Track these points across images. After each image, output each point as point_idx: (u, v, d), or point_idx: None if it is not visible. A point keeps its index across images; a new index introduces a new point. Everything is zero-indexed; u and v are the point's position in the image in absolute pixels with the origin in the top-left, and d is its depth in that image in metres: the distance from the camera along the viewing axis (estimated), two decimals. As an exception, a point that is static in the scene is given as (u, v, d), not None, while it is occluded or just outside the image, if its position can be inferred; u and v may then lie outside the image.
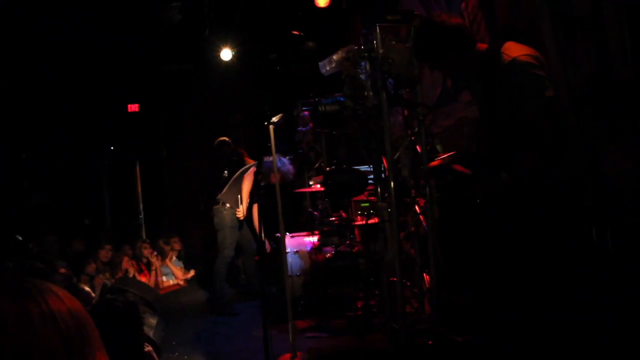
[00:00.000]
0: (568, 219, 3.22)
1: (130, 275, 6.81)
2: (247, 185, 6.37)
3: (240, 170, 6.69)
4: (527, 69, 2.97)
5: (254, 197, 6.27)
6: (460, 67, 3.23)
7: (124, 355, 2.30)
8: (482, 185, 3.12)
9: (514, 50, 3.04)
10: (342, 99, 4.48)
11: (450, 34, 3.06)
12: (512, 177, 2.99)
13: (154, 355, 3.16)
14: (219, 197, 6.56)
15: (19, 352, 0.87)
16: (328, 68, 4.92)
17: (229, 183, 6.65)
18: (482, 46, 3.16)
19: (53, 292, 0.94)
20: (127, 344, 2.30)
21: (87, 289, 4.34)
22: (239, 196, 6.39)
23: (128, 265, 7.13)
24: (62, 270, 5.66)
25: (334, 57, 4.73)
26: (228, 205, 6.41)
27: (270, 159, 4.62)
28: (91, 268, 6.83)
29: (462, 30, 3.11)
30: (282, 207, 4.37)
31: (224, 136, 7.73)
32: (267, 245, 6.38)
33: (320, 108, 4.50)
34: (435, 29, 3.10)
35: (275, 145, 4.40)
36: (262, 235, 4.35)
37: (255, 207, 6.41)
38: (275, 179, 4.34)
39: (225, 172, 7.50)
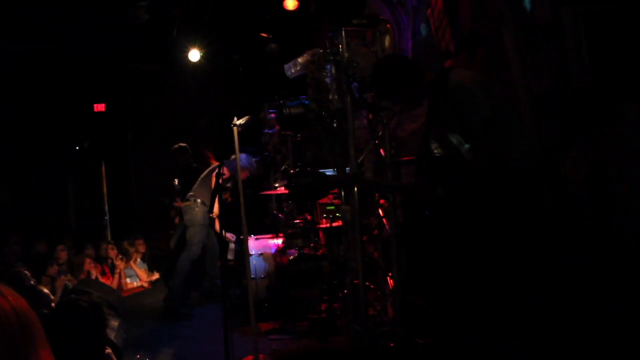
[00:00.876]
0: (526, 222, 3.27)
1: (93, 277, 6.72)
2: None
3: (209, 169, 6.62)
4: (471, 88, 3.09)
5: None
6: (415, 96, 3.37)
7: (86, 356, 2.27)
8: (421, 195, 3.21)
9: (459, 76, 3.18)
10: (307, 102, 4.49)
11: (400, 70, 3.29)
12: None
13: (113, 357, 3.13)
14: (190, 194, 6.46)
15: None
16: (293, 70, 4.93)
17: (199, 180, 6.56)
18: (431, 75, 3.33)
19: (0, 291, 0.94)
20: (90, 345, 2.27)
21: (45, 290, 4.26)
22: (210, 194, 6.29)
23: (90, 267, 7.02)
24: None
25: (299, 59, 4.74)
26: (199, 201, 6.30)
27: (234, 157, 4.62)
28: (53, 270, 6.72)
29: (410, 64, 3.36)
30: (246, 209, 4.36)
31: (189, 138, 7.68)
32: (231, 236, 6.34)
33: (285, 110, 4.51)
34: (387, 69, 3.34)
35: (241, 147, 4.40)
36: (224, 233, 4.31)
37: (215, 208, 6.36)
38: (240, 178, 4.32)
39: (176, 180, 7.44)
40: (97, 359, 2.47)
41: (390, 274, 4.53)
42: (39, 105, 10.98)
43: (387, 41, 4.66)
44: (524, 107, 3.96)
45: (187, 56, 8.89)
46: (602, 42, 3.44)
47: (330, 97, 4.35)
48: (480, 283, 3.29)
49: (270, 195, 6.66)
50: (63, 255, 7.11)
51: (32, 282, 4.24)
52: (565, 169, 3.66)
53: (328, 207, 5.54)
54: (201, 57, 8.89)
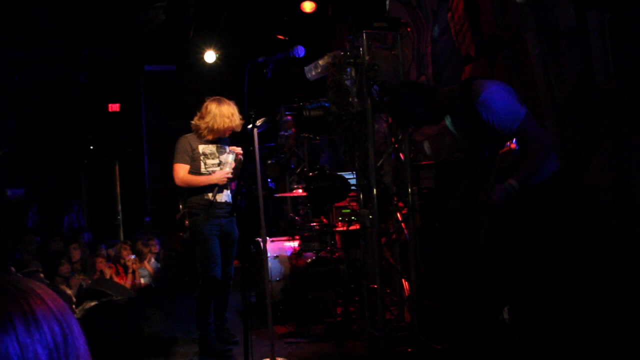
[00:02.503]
0: (549, 229, 3.24)
1: (107, 277, 6.71)
2: None
3: None
4: (497, 96, 3.09)
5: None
6: (433, 115, 3.39)
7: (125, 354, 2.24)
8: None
9: (481, 88, 3.17)
10: (326, 105, 4.47)
11: (411, 96, 3.31)
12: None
13: None
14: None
15: None
16: (314, 73, 4.92)
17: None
18: (452, 89, 3.35)
19: (37, 294, 0.90)
20: (128, 342, 2.25)
21: (68, 291, 4.27)
22: None
23: (104, 266, 7.03)
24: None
25: (320, 62, 4.73)
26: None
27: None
28: (65, 268, 6.72)
29: (417, 88, 3.40)
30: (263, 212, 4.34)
31: None
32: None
33: (304, 113, 4.49)
34: (398, 98, 3.36)
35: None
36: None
37: None
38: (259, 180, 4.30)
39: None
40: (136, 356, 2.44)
41: (406, 278, 4.51)
42: (54, 105, 11.05)
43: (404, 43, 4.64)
44: (546, 111, 3.92)
45: (202, 57, 8.92)
46: (628, 47, 3.41)
47: (350, 100, 4.34)
48: (501, 289, 3.27)
49: (285, 197, 6.65)
50: (76, 254, 7.12)
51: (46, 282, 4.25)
52: (589, 175, 3.62)
53: (344, 211, 5.52)
54: (217, 58, 8.91)
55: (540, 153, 3.03)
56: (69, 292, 3.36)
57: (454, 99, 3.27)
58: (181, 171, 4.60)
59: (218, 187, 4.59)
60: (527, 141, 3.04)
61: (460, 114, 3.28)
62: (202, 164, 4.65)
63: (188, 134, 4.75)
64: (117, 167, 11.49)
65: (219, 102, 4.71)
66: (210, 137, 4.66)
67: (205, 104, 4.71)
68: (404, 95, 3.34)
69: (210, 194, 4.59)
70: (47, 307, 0.89)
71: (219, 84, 9.54)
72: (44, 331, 0.86)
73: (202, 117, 4.67)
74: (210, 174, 4.63)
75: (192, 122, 4.73)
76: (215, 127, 4.61)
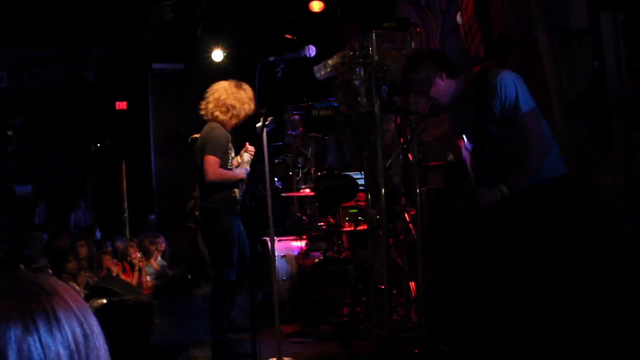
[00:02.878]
0: (558, 230, 3.22)
1: (114, 274, 6.73)
2: None
3: None
4: (511, 80, 3.07)
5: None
6: (448, 91, 3.27)
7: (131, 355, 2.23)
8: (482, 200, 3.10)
9: (498, 70, 3.18)
10: (335, 104, 4.46)
11: (432, 64, 3.23)
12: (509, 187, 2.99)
13: None
14: None
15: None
16: (323, 72, 4.90)
17: None
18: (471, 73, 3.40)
19: (59, 293, 0.89)
20: (137, 345, 2.23)
21: (77, 288, 4.26)
22: None
23: (110, 263, 7.04)
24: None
25: (329, 61, 4.71)
26: None
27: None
28: (72, 265, 6.74)
29: (443, 55, 3.40)
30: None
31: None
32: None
33: (313, 112, 4.48)
34: (418, 62, 3.30)
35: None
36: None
37: None
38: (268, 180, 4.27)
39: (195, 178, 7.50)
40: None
41: (414, 279, 4.50)
42: (62, 103, 11.09)
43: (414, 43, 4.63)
44: (557, 112, 3.90)
45: (210, 56, 8.92)
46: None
47: (359, 99, 4.32)
48: (508, 290, 3.25)
49: (292, 197, 6.63)
50: (83, 250, 7.14)
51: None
52: (601, 176, 3.59)
53: (350, 210, 5.50)
54: (224, 57, 8.91)
55: (537, 159, 3.00)
56: (77, 288, 3.34)
57: (470, 81, 3.24)
58: (216, 164, 4.28)
59: (241, 184, 4.45)
60: (526, 141, 3.00)
61: (471, 98, 3.22)
62: (230, 157, 4.46)
63: (215, 123, 4.44)
64: (123, 165, 11.50)
65: (240, 85, 4.47)
66: (233, 126, 4.42)
67: (227, 88, 4.43)
68: (426, 61, 3.26)
69: (237, 190, 4.43)
70: (69, 307, 0.88)
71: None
72: (66, 331, 0.85)
73: (230, 105, 4.38)
74: (232, 169, 4.47)
75: (216, 111, 4.43)
76: (243, 114, 4.38)
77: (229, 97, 4.38)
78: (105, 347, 0.94)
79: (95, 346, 0.91)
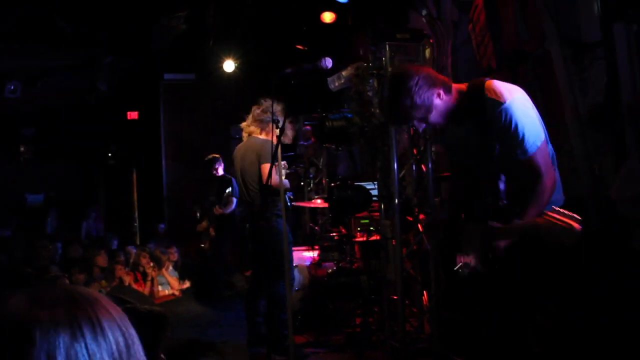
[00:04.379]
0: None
1: (126, 284, 6.76)
2: None
3: None
4: (517, 113, 2.68)
5: None
6: (442, 116, 2.84)
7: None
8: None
9: (498, 92, 2.73)
10: (349, 115, 4.49)
11: (407, 91, 2.71)
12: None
13: None
14: None
15: None
16: (337, 84, 4.94)
17: None
18: (461, 87, 2.87)
19: (101, 302, 0.92)
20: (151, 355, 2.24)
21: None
22: None
23: (122, 273, 7.07)
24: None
25: (343, 73, 4.75)
26: None
27: None
28: (77, 279, 6.70)
29: (427, 68, 2.91)
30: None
31: (223, 147, 7.80)
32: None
33: (327, 123, 4.52)
34: (392, 91, 2.85)
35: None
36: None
37: None
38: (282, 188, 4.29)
39: (211, 197, 7.63)
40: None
41: (427, 290, 4.51)
42: (74, 112, 11.17)
43: (427, 54, 4.66)
44: (570, 125, 3.91)
45: (221, 67, 8.98)
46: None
47: (373, 110, 4.35)
48: (521, 301, 3.25)
49: (304, 207, 6.66)
50: (101, 260, 7.17)
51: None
52: (614, 188, 3.60)
53: (362, 221, 5.52)
54: (236, 67, 8.97)
55: (546, 193, 2.71)
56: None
57: (462, 101, 2.82)
58: (275, 171, 4.30)
59: None
60: (535, 175, 2.71)
61: (465, 119, 2.85)
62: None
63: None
64: (134, 174, 11.57)
65: None
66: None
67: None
68: (420, 79, 2.71)
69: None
70: (112, 317, 0.91)
71: (237, 93, 9.62)
72: (110, 340, 0.88)
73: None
74: None
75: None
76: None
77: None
78: (144, 356, 0.97)
79: (136, 356, 0.94)
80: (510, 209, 2.78)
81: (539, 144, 2.69)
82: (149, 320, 2.16)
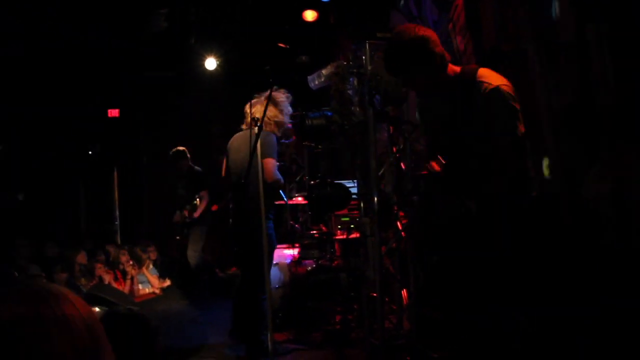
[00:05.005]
0: (543, 240, 3.27)
1: (106, 282, 6.73)
2: None
3: None
4: (509, 100, 2.91)
5: None
6: (427, 84, 3.06)
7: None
8: (446, 211, 3.09)
9: (492, 78, 2.97)
10: (329, 114, 4.52)
11: (409, 46, 2.89)
12: (477, 203, 2.93)
13: None
14: None
15: (30, 356, 0.87)
16: (317, 82, 4.96)
17: None
18: (455, 68, 3.04)
19: (67, 298, 0.94)
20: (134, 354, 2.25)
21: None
22: None
23: (102, 272, 7.03)
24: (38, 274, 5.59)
25: (323, 71, 4.78)
26: None
27: None
28: (61, 276, 6.65)
29: (424, 43, 2.90)
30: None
31: (203, 145, 7.78)
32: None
33: (307, 121, 4.54)
34: (396, 41, 2.98)
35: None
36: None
37: None
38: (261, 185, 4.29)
39: (180, 190, 7.59)
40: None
41: (406, 287, 4.55)
42: (52, 109, 11.06)
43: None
44: (545, 123, 3.97)
45: (203, 64, 8.96)
46: (626, 60, 3.46)
47: (353, 109, 4.38)
48: (499, 297, 3.30)
49: (285, 204, 6.68)
50: (81, 257, 7.11)
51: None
52: (587, 186, 3.67)
53: (343, 219, 5.56)
54: (217, 65, 8.95)
55: (509, 179, 2.91)
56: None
57: (454, 79, 2.99)
58: (276, 166, 4.38)
59: None
60: (509, 157, 2.90)
61: (450, 96, 3.01)
62: None
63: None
64: (115, 172, 11.49)
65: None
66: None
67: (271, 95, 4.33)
68: (403, 43, 2.90)
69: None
70: (78, 312, 0.92)
71: (219, 91, 9.61)
72: (75, 335, 0.90)
73: (279, 108, 4.47)
74: None
75: (276, 117, 4.53)
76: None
77: (277, 102, 4.51)
78: (111, 351, 0.99)
79: (102, 347, 0.95)
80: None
81: (517, 132, 2.88)
82: (132, 320, 2.18)
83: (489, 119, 2.89)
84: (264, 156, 4.24)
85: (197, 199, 7.48)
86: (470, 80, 2.96)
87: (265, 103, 4.11)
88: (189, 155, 7.77)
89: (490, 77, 2.97)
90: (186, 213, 7.56)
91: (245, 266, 4.61)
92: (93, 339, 0.94)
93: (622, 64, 3.48)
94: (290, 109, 4.56)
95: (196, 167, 7.74)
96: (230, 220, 4.58)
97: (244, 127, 4.66)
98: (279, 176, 4.38)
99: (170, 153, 7.82)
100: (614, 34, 3.53)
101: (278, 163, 4.41)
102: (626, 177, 3.46)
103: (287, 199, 6.07)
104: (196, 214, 7.48)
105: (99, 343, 0.95)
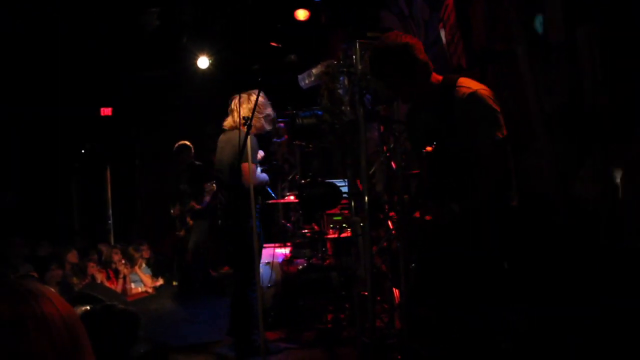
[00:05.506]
0: (532, 240, 3.29)
1: (98, 281, 6.72)
2: None
3: None
4: (487, 103, 2.92)
5: None
6: (411, 92, 3.11)
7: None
8: (433, 216, 3.09)
9: (472, 84, 3.00)
10: (319, 113, 4.52)
11: (392, 52, 2.95)
12: (462, 207, 2.93)
13: None
14: None
15: (9, 355, 0.87)
16: (307, 81, 4.96)
17: None
18: (438, 77, 3.07)
19: (47, 297, 0.94)
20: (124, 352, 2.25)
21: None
22: None
23: (94, 271, 7.03)
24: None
25: (313, 70, 4.78)
26: None
27: None
28: (56, 274, 6.68)
29: (407, 49, 2.95)
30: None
31: (190, 144, 7.77)
32: None
33: (297, 120, 4.54)
34: (380, 47, 3.05)
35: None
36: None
37: None
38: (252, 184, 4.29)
39: (182, 185, 7.56)
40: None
41: (397, 286, 4.56)
42: (45, 108, 11.02)
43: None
44: (536, 124, 3.99)
45: (196, 63, 8.94)
46: (617, 61, 3.48)
47: (343, 108, 4.38)
48: (490, 296, 3.31)
49: (277, 204, 6.68)
50: (72, 256, 7.11)
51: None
52: (578, 186, 3.68)
53: (335, 218, 5.56)
54: (210, 64, 8.94)
55: (492, 184, 2.93)
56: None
57: (436, 88, 3.02)
58: (255, 171, 4.41)
59: None
60: (490, 163, 2.91)
61: (432, 105, 3.04)
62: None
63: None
64: (108, 171, 11.47)
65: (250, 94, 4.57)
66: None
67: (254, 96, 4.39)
68: (386, 50, 2.97)
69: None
70: (57, 310, 0.93)
71: (211, 89, 9.59)
72: (53, 333, 0.91)
73: (259, 111, 4.50)
74: None
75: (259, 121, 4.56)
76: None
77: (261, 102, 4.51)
78: (91, 349, 0.99)
79: (82, 345, 0.96)
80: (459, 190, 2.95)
81: (500, 136, 2.87)
82: (124, 317, 2.18)
83: (469, 124, 2.90)
84: (244, 160, 4.29)
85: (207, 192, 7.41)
86: (450, 87, 2.99)
87: (252, 103, 4.16)
88: (193, 151, 7.78)
89: (469, 83, 3.00)
90: (194, 204, 7.49)
91: (234, 264, 4.65)
92: (72, 338, 0.94)
93: (612, 64, 3.50)
94: (271, 110, 4.67)
95: (197, 162, 7.73)
96: (219, 220, 4.64)
97: (226, 125, 4.73)
98: (260, 179, 4.50)
99: (175, 147, 7.82)
100: (604, 34, 3.54)
101: (260, 168, 4.50)
102: (616, 176, 3.48)
103: (278, 198, 6.09)
104: (199, 206, 7.40)
105: (79, 342, 0.96)
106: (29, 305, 0.91)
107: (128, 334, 2.14)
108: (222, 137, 4.80)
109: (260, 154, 4.73)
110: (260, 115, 4.55)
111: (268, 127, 4.74)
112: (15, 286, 0.94)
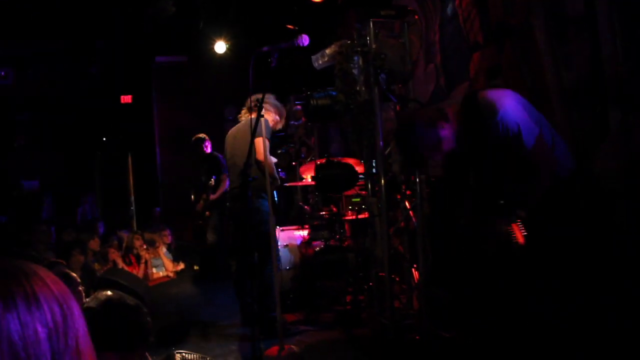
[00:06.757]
0: (559, 218, 3.21)
1: (119, 267, 6.78)
2: None
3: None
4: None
5: None
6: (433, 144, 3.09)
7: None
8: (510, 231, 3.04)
9: (491, 103, 2.97)
10: (334, 93, 4.47)
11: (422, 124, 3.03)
12: (526, 211, 2.93)
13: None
14: None
15: None
16: (320, 62, 4.91)
17: None
18: (454, 108, 3.11)
19: (39, 275, 0.93)
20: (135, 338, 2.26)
21: (73, 274, 4.29)
22: None
23: (116, 256, 7.10)
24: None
25: (327, 51, 4.72)
26: None
27: None
28: (78, 259, 6.74)
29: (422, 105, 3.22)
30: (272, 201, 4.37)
31: (215, 129, 7.77)
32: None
33: (312, 102, 4.50)
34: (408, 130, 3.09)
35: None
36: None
37: None
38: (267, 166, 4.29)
39: (203, 178, 7.56)
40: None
41: (415, 267, 4.52)
42: (67, 97, 11.14)
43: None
44: (554, 98, 3.90)
45: (213, 48, 8.94)
46: (637, 32, 3.37)
47: (358, 88, 4.33)
48: (509, 278, 3.26)
49: (296, 186, 6.67)
50: (94, 244, 7.18)
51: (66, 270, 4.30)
52: (598, 160, 3.60)
53: (353, 199, 5.53)
54: (227, 49, 8.93)
55: (546, 178, 2.93)
56: (73, 275, 3.38)
57: (460, 118, 3.05)
58: (267, 147, 4.48)
59: None
60: (535, 164, 2.91)
61: (467, 131, 3.06)
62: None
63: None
64: (129, 158, 11.57)
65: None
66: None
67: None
68: (419, 122, 3.03)
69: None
70: (48, 289, 0.92)
71: (229, 74, 9.59)
72: (44, 311, 0.90)
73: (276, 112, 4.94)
74: None
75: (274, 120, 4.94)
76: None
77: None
78: (85, 328, 0.98)
79: (74, 327, 0.95)
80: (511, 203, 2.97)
81: (536, 132, 2.89)
82: (136, 310, 2.18)
83: (503, 144, 2.92)
84: (257, 135, 4.30)
85: (212, 180, 7.42)
86: (475, 112, 2.99)
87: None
88: (207, 142, 7.78)
89: (490, 102, 2.96)
90: (210, 196, 7.52)
91: (246, 247, 4.68)
92: (64, 317, 0.93)
93: (633, 33, 3.39)
94: (283, 110, 5.04)
95: (214, 153, 7.73)
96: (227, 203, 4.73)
97: (241, 118, 4.98)
98: (271, 159, 4.59)
99: (192, 140, 7.84)
100: (624, 6, 3.44)
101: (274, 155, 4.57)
102: (637, 150, 3.39)
103: (290, 182, 6.10)
104: (214, 196, 7.41)
105: (72, 318, 0.95)
106: (19, 283, 0.90)
107: (132, 326, 2.15)
108: (232, 129, 5.02)
109: (273, 159, 4.79)
110: (272, 110, 4.84)
111: (278, 127, 5.02)
112: (4, 265, 0.94)
